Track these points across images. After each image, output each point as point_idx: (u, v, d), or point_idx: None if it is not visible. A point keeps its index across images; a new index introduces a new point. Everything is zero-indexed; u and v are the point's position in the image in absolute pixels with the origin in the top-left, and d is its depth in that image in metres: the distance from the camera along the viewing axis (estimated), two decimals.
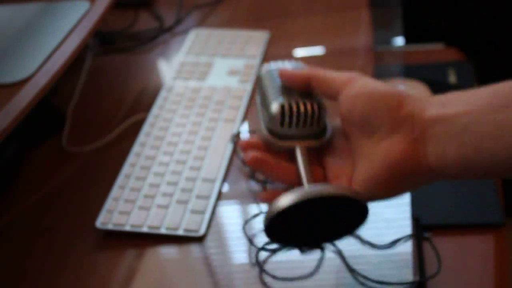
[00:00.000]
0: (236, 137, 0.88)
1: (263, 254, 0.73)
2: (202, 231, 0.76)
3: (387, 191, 0.54)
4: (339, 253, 0.71)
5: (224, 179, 0.84)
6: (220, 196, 0.82)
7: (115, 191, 0.82)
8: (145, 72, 1.10)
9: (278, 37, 1.11)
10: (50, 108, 1.00)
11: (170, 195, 0.81)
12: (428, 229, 0.87)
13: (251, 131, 0.91)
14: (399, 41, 1.52)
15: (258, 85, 0.61)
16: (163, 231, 0.77)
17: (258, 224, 0.77)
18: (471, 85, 1.34)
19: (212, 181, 0.83)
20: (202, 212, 0.78)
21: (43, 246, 0.79)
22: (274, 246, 0.73)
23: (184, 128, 0.92)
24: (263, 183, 0.82)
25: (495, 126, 0.47)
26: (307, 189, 0.52)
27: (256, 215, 0.78)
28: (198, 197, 0.81)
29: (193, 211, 0.79)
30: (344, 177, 0.56)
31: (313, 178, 0.56)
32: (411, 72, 1.38)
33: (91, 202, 0.82)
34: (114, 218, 0.78)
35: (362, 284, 0.68)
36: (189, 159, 0.86)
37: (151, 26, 1.18)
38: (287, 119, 0.56)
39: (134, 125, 0.94)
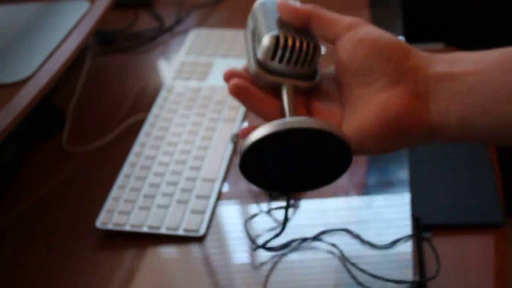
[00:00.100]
0: (236, 137, 0.88)
1: (264, 254, 0.73)
2: (202, 231, 0.76)
3: (379, 144, 0.50)
4: (341, 253, 0.72)
5: (224, 179, 0.84)
6: (220, 196, 0.82)
7: (115, 191, 0.82)
8: (145, 72, 1.10)
9: None
10: (50, 108, 1.00)
11: (170, 195, 0.81)
12: (428, 229, 0.87)
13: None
14: None
15: (251, 16, 0.57)
16: (163, 231, 0.77)
17: (259, 223, 0.77)
18: None
19: (212, 181, 0.83)
20: (202, 212, 0.78)
21: (43, 246, 0.79)
22: (273, 246, 0.73)
23: (184, 128, 0.92)
24: None
25: (504, 88, 0.45)
26: (287, 119, 0.48)
27: (256, 215, 0.78)
28: (198, 197, 0.80)
29: (193, 211, 0.79)
30: (333, 122, 0.51)
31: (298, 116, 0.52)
32: None
33: (91, 202, 0.82)
34: (114, 218, 0.78)
35: (362, 284, 0.68)
36: (189, 159, 0.86)
37: (151, 26, 1.18)
38: (279, 52, 0.51)
39: (134, 125, 0.94)
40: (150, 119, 0.94)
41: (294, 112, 0.51)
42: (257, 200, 0.80)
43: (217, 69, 1.04)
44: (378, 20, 1.13)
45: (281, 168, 0.51)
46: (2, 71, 0.82)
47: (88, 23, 0.91)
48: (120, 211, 0.79)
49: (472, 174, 1.15)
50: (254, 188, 0.82)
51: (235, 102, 0.95)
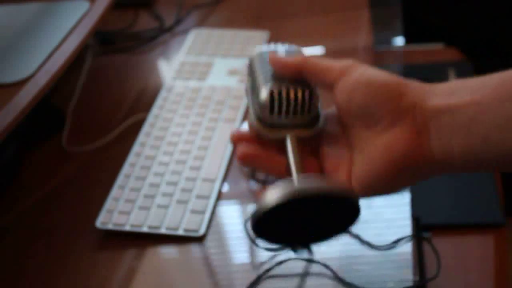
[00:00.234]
0: None
1: (264, 254, 0.73)
2: (202, 231, 0.76)
3: (389, 186, 0.51)
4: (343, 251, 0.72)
5: (224, 179, 0.84)
6: (220, 196, 0.82)
7: (115, 191, 0.82)
8: (145, 72, 1.10)
9: (278, 37, 1.11)
10: (50, 108, 1.00)
11: (170, 195, 0.81)
12: (428, 229, 0.87)
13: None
14: (399, 41, 1.52)
15: (249, 68, 0.58)
16: (163, 231, 0.77)
17: None
18: None
19: (212, 181, 0.83)
20: (202, 212, 0.78)
21: (43, 246, 0.79)
22: (274, 245, 0.73)
23: (184, 128, 0.92)
24: (263, 182, 0.82)
25: (504, 116, 0.45)
26: (294, 186, 0.49)
27: None
28: (198, 197, 0.81)
29: (193, 211, 0.79)
30: (342, 170, 0.53)
31: (305, 169, 0.53)
32: (411, 72, 1.38)
33: (91, 202, 0.82)
34: (114, 218, 0.78)
35: (362, 283, 0.68)
36: (189, 159, 0.86)
37: (151, 26, 1.18)
38: (276, 106, 0.53)
39: (134, 125, 0.94)
40: (150, 119, 0.94)
41: (300, 167, 0.53)
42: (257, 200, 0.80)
43: (217, 69, 1.04)
44: (378, 20, 1.13)
45: (291, 227, 0.53)
46: (2, 71, 0.82)
47: (88, 23, 0.91)
48: (120, 211, 0.79)
49: (472, 174, 1.15)
50: (254, 188, 0.82)
51: (235, 102, 0.96)
